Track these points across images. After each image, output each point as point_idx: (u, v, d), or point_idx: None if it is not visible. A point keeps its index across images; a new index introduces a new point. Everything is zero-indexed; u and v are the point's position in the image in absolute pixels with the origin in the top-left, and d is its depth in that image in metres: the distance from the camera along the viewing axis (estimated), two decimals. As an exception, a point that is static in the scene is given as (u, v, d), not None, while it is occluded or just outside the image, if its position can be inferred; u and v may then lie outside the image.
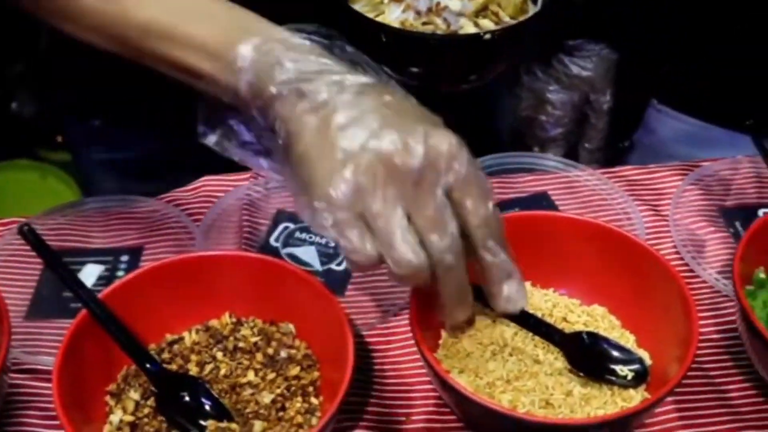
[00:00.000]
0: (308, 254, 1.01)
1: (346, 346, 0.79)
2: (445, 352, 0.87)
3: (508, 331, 0.88)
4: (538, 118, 1.36)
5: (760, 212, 1.04)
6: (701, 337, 0.91)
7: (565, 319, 0.90)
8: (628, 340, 0.88)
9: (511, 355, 0.86)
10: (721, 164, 1.10)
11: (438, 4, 1.03)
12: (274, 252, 1.01)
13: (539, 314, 0.90)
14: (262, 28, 0.78)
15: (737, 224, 1.04)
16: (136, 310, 0.86)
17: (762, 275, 0.91)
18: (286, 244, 1.02)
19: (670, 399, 0.87)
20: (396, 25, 1.02)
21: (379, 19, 1.03)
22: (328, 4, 0.99)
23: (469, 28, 1.02)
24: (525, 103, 1.43)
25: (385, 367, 0.91)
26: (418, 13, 1.03)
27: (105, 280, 0.99)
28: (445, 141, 0.69)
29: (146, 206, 1.06)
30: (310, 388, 0.85)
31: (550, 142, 1.34)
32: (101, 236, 1.05)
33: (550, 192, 1.08)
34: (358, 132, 0.69)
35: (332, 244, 1.02)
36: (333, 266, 1.00)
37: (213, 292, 0.89)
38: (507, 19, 1.04)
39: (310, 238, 1.02)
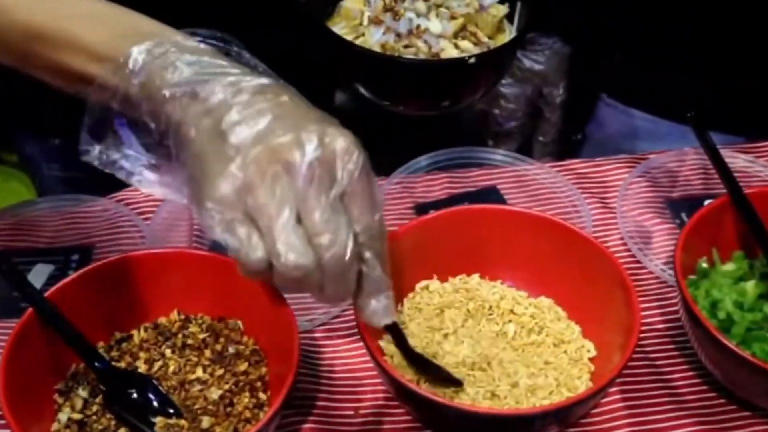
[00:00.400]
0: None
1: (292, 341, 0.80)
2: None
3: (459, 317, 0.89)
4: (492, 112, 1.37)
5: (706, 203, 1.05)
6: (647, 327, 0.94)
7: (512, 311, 0.91)
8: (574, 331, 0.89)
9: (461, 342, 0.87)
10: (668, 156, 1.11)
11: (418, 26, 1.02)
12: (225, 249, 1.00)
13: (487, 306, 0.91)
14: (156, 30, 0.74)
15: (683, 215, 1.05)
16: (84, 309, 0.86)
17: (704, 265, 0.92)
18: (236, 241, 1.02)
19: (615, 388, 0.88)
20: (377, 48, 1.01)
21: (359, 41, 1.02)
22: (307, 26, 0.99)
23: (450, 51, 1.01)
24: (479, 98, 1.44)
25: (335, 362, 0.92)
26: (398, 35, 1.02)
27: (55, 279, 0.98)
28: (341, 139, 0.67)
29: (97, 205, 1.05)
30: (258, 384, 0.85)
31: (505, 135, 1.35)
32: (52, 236, 1.05)
33: (499, 186, 1.09)
34: (248, 128, 0.67)
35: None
36: (283, 262, 1.00)
37: (161, 289, 0.89)
38: (485, 40, 1.04)
39: (261, 234, 1.02)
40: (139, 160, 0.75)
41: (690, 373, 0.90)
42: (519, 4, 1.07)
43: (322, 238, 0.66)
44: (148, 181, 0.75)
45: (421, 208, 1.06)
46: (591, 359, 0.87)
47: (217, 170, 0.67)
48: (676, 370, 0.91)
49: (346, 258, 0.67)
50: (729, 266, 0.93)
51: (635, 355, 0.91)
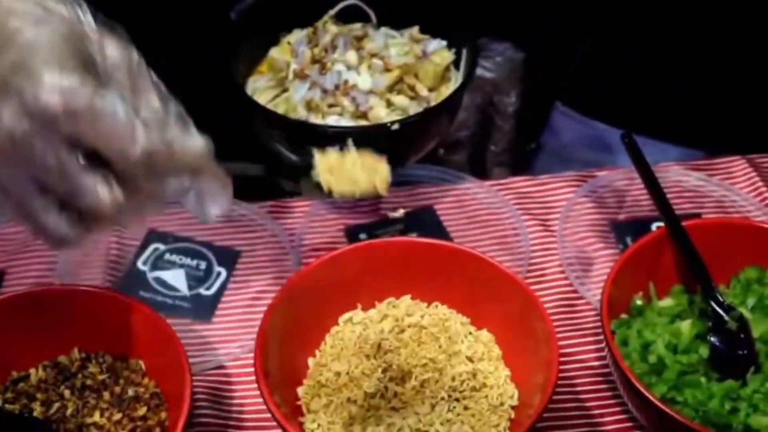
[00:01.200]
0: (176, 278, 0.96)
1: (183, 386, 0.76)
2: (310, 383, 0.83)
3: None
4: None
5: (654, 226, 1.00)
6: (579, 364, 0.89)
7: (450, 338, 0.86)
8: (500, 376, 0.84)
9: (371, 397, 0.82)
10: (617, 174, 1.05)
11: (346, 82, 0.93)
12: (141, 276, 0.96)
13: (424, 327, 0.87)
14: None
15: (628, 239, 1.00)
16: (-21, 347, 0.82)
17: (639, 302, 0.87)
18: (154, 267, 0.97)
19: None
20: (301, 106, 0.92)
21: (283, 97, 0.94)
22: (222, 86, 0.92)
23: (379, 110, 0.92)
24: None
25: (246, 401, 0.87)
26: (324, 91, 0.93)
27: (-38, 307, 0.94)
28: (51, 94, 0.55)
29: (10, 227, 1.00)
30: (157, 429, 0.80)
31: (455, 144, 1.29)
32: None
33: (436, 206, 1.04)
34: None
35: (202, 267, 0.97)
36: (201, 291, 0.95)
37: (62, 326, 0.85)
38: (425, 93, 0.94)
39: (180, 260, 0.98)
40: None
41: (622, 416, 0.85)
42: (465, 50, 0.98)
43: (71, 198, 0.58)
44: None
45: (352, 232, 1.01)
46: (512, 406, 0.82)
47: None
48: (606, 413, 0.86)
49: (105, 207, 0.58)
50: (666, 302, 0.87)
51: (564, 395, 0.87)
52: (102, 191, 0.58)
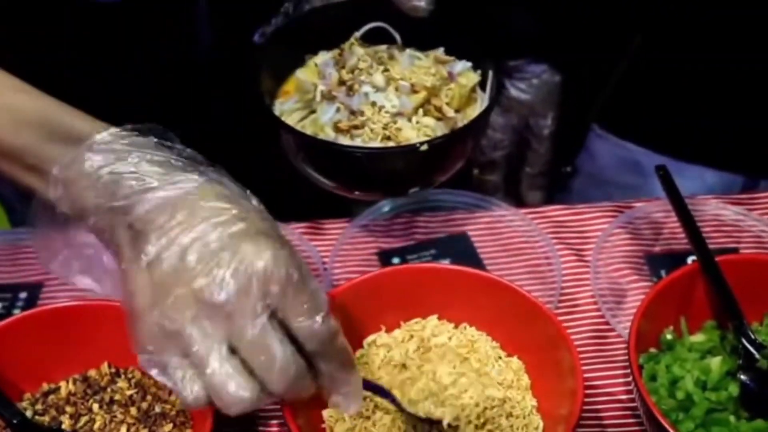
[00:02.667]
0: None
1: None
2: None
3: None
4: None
5: (689, 260, 0.98)
6: (608, 398, 0.88)
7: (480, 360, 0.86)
8: (527, 406, 0.83)
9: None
10: (653, 206, 1.04)
11: (374, 103, 0.93)
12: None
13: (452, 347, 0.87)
14: (84, 127, 0.70)
15: (662, 272, 0.98)
16: (13, 357, 0.84)
17: (669, 336, 0.86)
18: (187, 284, 0.98)
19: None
20: (329, 127, 0.92)
21: (311, 118, 0.94)
22: (251, 107, 0.94)
23: (407, 131, 0.91)
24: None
25: (271, 422, 0.87)
26: (352, 113, 0.92)
27: (0, 318, 0.95)
28: (259, 262, 0.63)
29: (48, 239, 1.02)
30: (182, 447, 0.81)
31: (491, 165, 1.28)
32: (6, 271, 1.02)
33: (470, 232, 1.03)
34: (165, 262, 0.64)
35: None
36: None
37: (93, 340, 0.86)
38: (451, 114, 0.94)
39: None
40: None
41: (650, 452, 0.84)
42: (491, 72, 0.97)
43: (258, 361, 0.63)
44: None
45: (385, 255, 1.01)
46: (538, 434, 0.81)
47: (141, 307, 0.65)
48: (634, 448, 0.85)
49: (291, 373, 0.65)
50: (698, 337, 0.86)
51: (591, 428, 0.86)
52: (290, 358, 0.64)
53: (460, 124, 0.94)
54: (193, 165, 0.69)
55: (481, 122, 0.94)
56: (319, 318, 0.65)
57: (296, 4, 1.04)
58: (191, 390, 0.64)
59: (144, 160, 0.67)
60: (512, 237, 1.03)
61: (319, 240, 1.03)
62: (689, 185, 1.17)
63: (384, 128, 0.90)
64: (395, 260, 1.01)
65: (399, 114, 0.91)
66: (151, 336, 0.64)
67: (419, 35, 0.99)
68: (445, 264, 0.93)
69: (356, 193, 0.96)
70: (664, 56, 1.13)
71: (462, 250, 1.02)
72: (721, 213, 1.04)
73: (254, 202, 0.69)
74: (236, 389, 0.63)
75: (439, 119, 0.92)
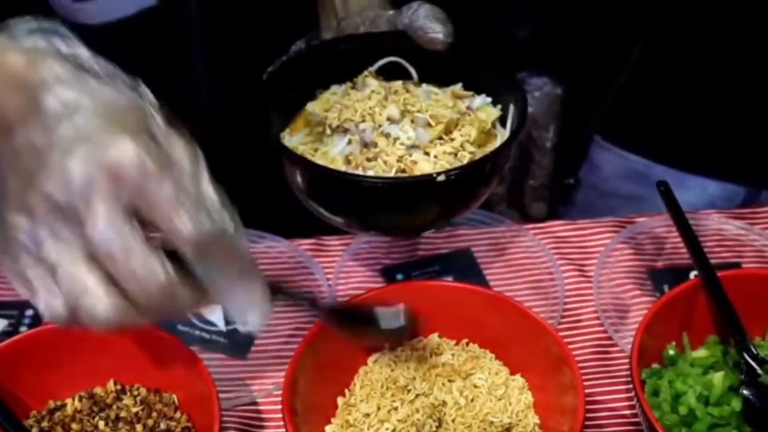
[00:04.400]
0: (214, 313, 0.98)
1: (213, 421, 0.77)
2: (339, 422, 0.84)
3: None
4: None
5: (691, 275, 0.99)
6: (611, 413, 0.89)
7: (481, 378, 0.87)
8: (530, 423, 0.84)
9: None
10: (656, 220, 1.05)
11: (388, 135, 0.88)
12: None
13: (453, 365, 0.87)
14: None
15: (665, 287, 0.99)
16: (19, 375, 0.85)
17: (671, 352, 0.86)
18: (193, 301, 0.98)
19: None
20: (340, 160, 0.88)
21: (321, 152, 0.89)
22: (254, 133, 0.90)
23: (423, 164, 0.86)
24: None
25: (276, 437, 0.88)
26: (365, 145, 0.88)
27: (7, 335, 0.96)
28: (112, 150, 0.55)
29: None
30: (187, 463, 0.82)
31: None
32: (13, 288, 1.02)
33: (473, 248, 1.04)
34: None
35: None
36: (238, 327, 0.97)
37: (98, 358, 0.86)
38: (470, 149, 0.89)
39: (218, 295, 0.99)
40: None
41: (653, 468, 0.84)
42: (512, 107, 0.92)
43: (118, 270, 0.56)
44: None
45: (389, 272, 1.02)
46: (539, 452, 0.81)
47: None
48: (638, 464, 0.85)
49: (158, 282, 0.57)
50: (700, 352, 0.86)
51: (594, 445, 0.86)
52: (154, 264, 0.57)
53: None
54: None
55: (503, 154, 0.89)
56: (187, 218, 0.57)
57: (309, 41, 1.01)
58: (49, 304, 0.58)
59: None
60: (516, 253, 1.04)
61: (323, 257, 1.04)
62: (691, 195, 1.18)
63: (398, 161, 0.86)
64: (399, 276, 1.01)
65: (414, 147, 0.87)
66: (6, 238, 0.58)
67: (436, 71, 0.96)
68: (447, 281, 0.94)
69: (371, 232, 0.93)
70: (666, 66, 1.13)
71: (466, 266, 1.02)
72: (723, 227, 1.04)
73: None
74: (94, 303, 0.56)
75: (455, 155, 0.88)
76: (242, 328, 0.67)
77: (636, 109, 1.20)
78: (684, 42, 1.12)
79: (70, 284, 0.57)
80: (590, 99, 1.22)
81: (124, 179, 0.56)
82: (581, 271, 1.01)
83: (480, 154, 0.89)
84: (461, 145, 0.89)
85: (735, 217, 1.06)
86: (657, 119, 1.19)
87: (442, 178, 0.81)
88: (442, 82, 0.96)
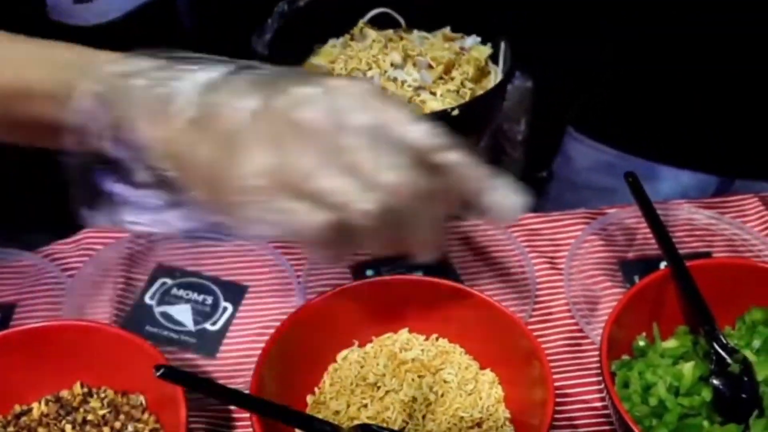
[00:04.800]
0: (182, 313, 0.97)
1: (180, 422, 0.77)
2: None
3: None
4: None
5: (662, 265, 0.98)
6: (583, 405, 0.88)
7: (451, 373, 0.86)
8: (500, 417, 0.83)
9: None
10: (627, 212, 1.04)
11: (395, 79, 0.95)
12: (148, 310, 0.97)
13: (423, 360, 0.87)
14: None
15: (636, 278, 0.98)
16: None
17: (641, 343, 0.86)
18: (161, 302, 0.98)
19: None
20: None
21: None
22: None
23: (432, 103, 0.93)
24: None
25: (245, 437, 0.87)
26: None
27: (-27, 339, 0.95)
28: (350, 84, 0.61)
29: (22, 261, 1.02)
30: (155, 465, 0.81)
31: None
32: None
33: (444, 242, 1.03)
34: (244, 103, 0.59)
35: (209, 302, 0.97)
36: (207, 326, 0.96)
37: (65, 360, 0.86)
38: (470, 85, 0.97)
39: (187, 295, 0.98)
40: (146, 210, 0.67)
41: (625, 460, 0.84)
42: (503, 44, 1.00)
43: (374, 175, 0.58)
44: (169, 224, 0.67)
45: (359, 268, 1.01)
46: (510, 447, 0.81)
47: (231, 161, 0.60)
48: (610, 456, 0.84)
49: (412, 177, 0.60)
50: (670, 343, 0.86)
51: (566, 438, 0.86)
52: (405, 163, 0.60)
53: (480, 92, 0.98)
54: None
55: (504, 86, 0.98)
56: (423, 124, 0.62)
57: (290, 2, 1.04)
58: (316, 218, 0.58)
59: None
60: (486, 246, 1.03)
61: (292, 254, 1.03)
62: (665, 186, 1.18)
63: (408, 101, 0.93)
64: (369, 273, 1.00)
65: (420, 88, 0.94)
66: (249, 174, 0.59)
67: (422, 17, 1.02)
68: (417, 276, 0.93)
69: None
70: (638, 58, 1.13)
71: (436, 260, 1.01)
72: (693, 217, 1.04)
73: None
74: (370, 197, 0.58)
75: (457, 91, 0.95)
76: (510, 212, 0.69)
77: (609, 101, 1.20)
78: (656, 34, 1.12)
79: (336, 192, 0.58)
80: (561, 93, 1.22)
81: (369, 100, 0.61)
82: (552, 264, 1.01)
83: (479, 90, 0.98)
84: (461, 83, 0.96)
85: (705, 206, 1.06)
86: (629, 111, 1.19)
87: (456, 112, 0.90)
88: (429, 27, 1.03)
